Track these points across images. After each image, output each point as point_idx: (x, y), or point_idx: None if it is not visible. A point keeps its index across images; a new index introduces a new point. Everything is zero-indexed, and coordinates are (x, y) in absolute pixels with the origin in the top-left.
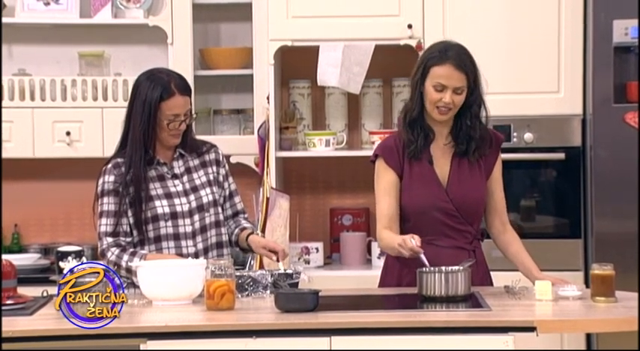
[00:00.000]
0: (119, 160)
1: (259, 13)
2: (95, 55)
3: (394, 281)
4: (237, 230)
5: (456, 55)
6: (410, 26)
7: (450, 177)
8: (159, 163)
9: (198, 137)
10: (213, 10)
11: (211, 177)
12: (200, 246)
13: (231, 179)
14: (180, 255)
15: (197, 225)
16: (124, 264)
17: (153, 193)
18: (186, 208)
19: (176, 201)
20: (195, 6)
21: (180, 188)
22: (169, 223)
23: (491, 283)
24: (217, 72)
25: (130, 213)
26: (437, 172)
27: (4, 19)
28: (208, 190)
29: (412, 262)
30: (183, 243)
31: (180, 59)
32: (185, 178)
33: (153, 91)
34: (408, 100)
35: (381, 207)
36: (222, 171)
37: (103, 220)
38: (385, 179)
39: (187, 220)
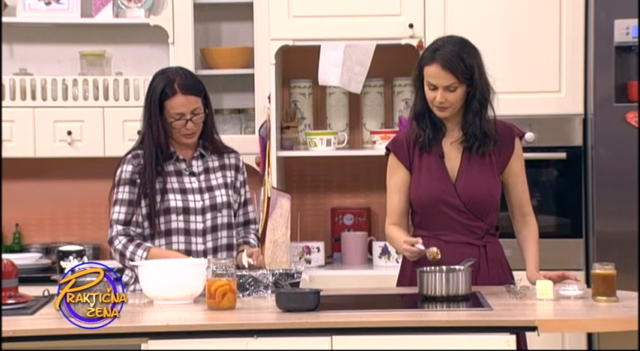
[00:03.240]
0: (139, 151)
1: (260, 13)
2: (96, 54)
3: (407, 281)
4: (241, 240)
5: (444, 55)
6: (411, 26)
7: (459, 172)
8: (178, 160)
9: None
10: (214, 9)
11: (228, 180)
12: (210, 245)
13: (247, 187)
14: (190, 251)
15: (208, 223)
16: (128, 254)
17: (168, 186)
18: (199, 205)
19: (190, 197)
20: (196, 5)
21: (195, 185)
22: (181, 218)
23: (507, 279)
24: (218, 71)
25: (143, 203)
26: (447, 166)
27: (6, 19)
28: (223, 191)
29: (424, 260)
30: (193, 239)
31: (181, 59)
32: (202, 177)
33: (157, 89)
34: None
35: (391, 203)
36: (241, 177)
37: (116, 208)
38: (397, 176)
39: (199, 217)
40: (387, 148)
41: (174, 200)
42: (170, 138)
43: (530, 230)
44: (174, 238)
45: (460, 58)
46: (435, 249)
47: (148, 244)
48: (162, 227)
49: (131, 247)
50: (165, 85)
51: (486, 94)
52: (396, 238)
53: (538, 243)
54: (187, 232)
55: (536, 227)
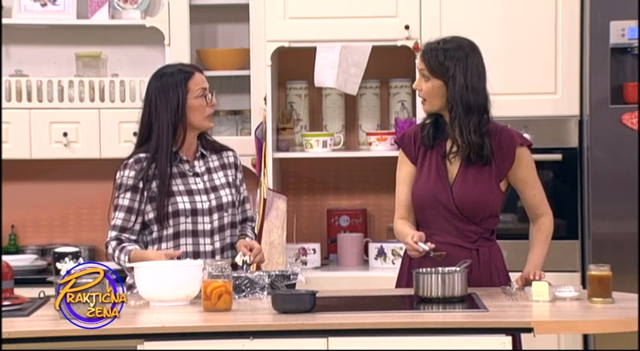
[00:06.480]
0: (141, 155)
1: (256, 14)
2: (92, 56)
3: (405, 282)
4: (239, 233)
5: (428, 44)
6: (407, 27)
7: (457, 175)
8: (181, 161)
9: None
10: (210, 11)
11: (230, 179)
12: (217, 245)
13: (245, 185)
14: (198, 253)
15: (216, 224)
16: (116, 260)
17: (174, 189)
18: (206, 205)
19: (197, 198)
20: (192, 7)
21: (201, 186)
22: (189, 220)
23: (500, 282)
24: (214, 73)
25: (149, 208)
26: (448, 168)
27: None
28: (227, 190)
29: (424, 261)
30: (201, 240)
31: (177, 60)
32: (206, 177)
33: (175, 77)
34: None
35: (399, 196)
36: (240, 175)
37: (115, 214)
38: (404, 169)
39: (207, 218)
40: (395, 141)
41: (182, 203)
42: (180, 127)
43: (539, 231)
44: (182, 241)
45: (437, 52)
46: (443, 252)
47: (130, 247)
48: (171, 230)
49: (117, 253)
50: (180, 68)
51: (472, 102)
52: (403, 233)
53: (545, 244)
54: (195, 234)
55: (548, 228)
